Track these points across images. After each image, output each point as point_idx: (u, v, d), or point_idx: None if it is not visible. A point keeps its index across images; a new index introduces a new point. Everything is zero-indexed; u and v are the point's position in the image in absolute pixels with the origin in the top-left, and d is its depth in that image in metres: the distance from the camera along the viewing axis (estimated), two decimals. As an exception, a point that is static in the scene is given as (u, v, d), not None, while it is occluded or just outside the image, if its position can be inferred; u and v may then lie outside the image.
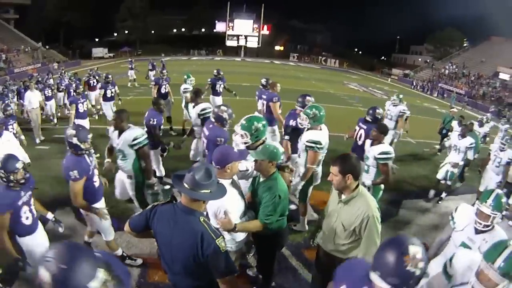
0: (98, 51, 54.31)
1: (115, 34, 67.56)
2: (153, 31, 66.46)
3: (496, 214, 3.48)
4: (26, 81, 14.11)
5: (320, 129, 5.59)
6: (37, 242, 4.16)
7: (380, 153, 5.42)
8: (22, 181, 3.95)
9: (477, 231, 3.61)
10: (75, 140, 4.16)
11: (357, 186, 3.34)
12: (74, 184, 4.22)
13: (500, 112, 30.01)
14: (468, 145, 8.00)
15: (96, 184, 4.61)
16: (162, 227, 2.75)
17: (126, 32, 62.76)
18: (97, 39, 63.41)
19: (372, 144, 5.75)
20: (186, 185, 2.64)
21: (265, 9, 62.01)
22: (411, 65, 63.49)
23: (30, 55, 41.21)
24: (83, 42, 57.46)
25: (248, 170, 4.04)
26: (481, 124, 12.29)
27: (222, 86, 11.95)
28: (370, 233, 3.25)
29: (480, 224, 3.54)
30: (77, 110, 9.70)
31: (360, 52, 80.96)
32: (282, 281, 4.92)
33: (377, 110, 7.05)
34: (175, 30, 77.93)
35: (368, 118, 7.06)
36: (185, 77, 11.20)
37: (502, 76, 41.71)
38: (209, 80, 11.87)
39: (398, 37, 74.98)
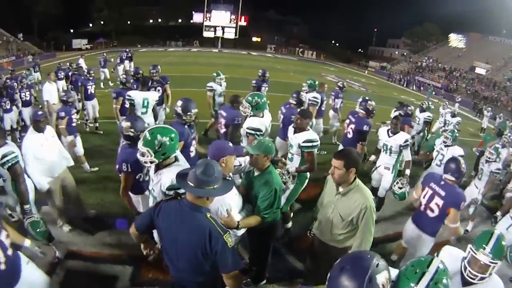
0: (77, 42, 52.33)
1: (90, 25, 65.93)
2: (129, 22, 65.19)
3: (496, 263, 2.83)
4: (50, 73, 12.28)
5: (262, 116, 5.91)
6: None
7: (304, 141, 4.99)
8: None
9: (466, 283, 2.97)
10: (179, 110, 4.95)
11: (355, 178, 3.44)
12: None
13: (475, 105, 30.75)
14: (403, 143, 6.44)
15: (192, 154, 5.21)
16: (167, 224, 2.75)
17: (102, 23, 61.37)
18: (72, 30, 61.73)
19: (295, 132, 5.31)
20: (190, 183, 2.64)
21: (242, 0, 61.78)
22: (388, 58, 64.48)
23: (3, 48, 39.05)
24: (58, 33, 55.21)
25: (241, 165, 4.07)
26: (453, 115, 12.43)
27: (266, 89, 10.79)
28: (367, 222, 3.37)
29: (474, 276, 2.87)
30: (123, 105, 8.44)
31: (337, 44, 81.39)
32: (274, 272, 4.95)
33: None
34: (151, 21, 76.38)
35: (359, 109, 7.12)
36: (214, 74, 10.11)
37: (478, 70, 43.21)
38: (254, 81, 10.80)
39: (376, 30, 75.60)
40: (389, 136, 6.58)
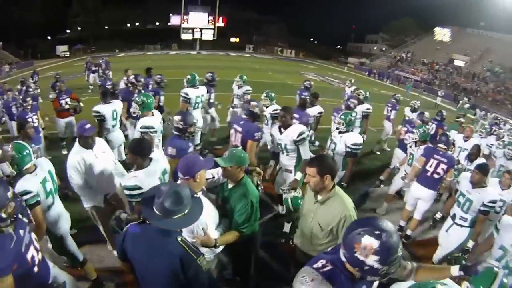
0: (59, 49, 51.56)
1: (68, 31, 65.02)
2: (106, 27, 64.31)
3: None
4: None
5: (152, 115, 5.98)
6: None
7: None
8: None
9: None
10: (180, 125, 4.83)
11: (333, 186, 3.34)
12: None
13: (456, 97, 31.20)
14: (296, 137, 5.38)
15: None
16: (136, 252, 2.60)
17: (79, 28, 60.60)
18: (49, 37, 60.81)
19: None
20: (157, 212, 2.46)
21: (220, 1, 61.37)
22: (367, 54, 64.97)
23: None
24: (35, 40, 54.11)
25: (214, 177, 3.92)
26: (413, 110, 10.39)
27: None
28: None
29: None
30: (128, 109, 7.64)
31: (316, 42, 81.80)
32: (260, 282, 4.81)
33: (252, 103, 5.59)
34: (129, 25, 75.65)
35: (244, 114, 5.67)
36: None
37: (457, 63, 43.86)
38: (299, 92, 10.90)
39: (354, 26, 76.16)
40: (281, 133, 5.59)
